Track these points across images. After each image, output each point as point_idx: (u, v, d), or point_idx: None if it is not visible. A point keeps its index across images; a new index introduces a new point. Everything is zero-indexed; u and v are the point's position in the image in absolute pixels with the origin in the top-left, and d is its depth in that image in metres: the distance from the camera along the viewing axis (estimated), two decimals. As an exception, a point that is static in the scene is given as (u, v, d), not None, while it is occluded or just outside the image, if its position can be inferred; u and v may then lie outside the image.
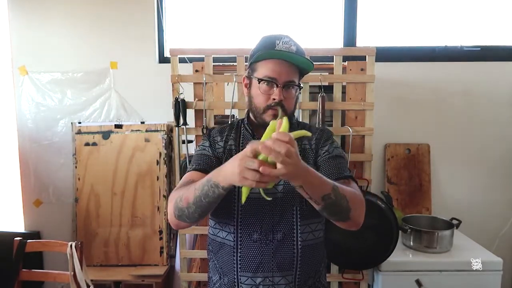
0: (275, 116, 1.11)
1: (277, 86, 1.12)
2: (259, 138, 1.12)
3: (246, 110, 1.27)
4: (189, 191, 1.01)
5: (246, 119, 1.24)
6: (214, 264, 1.22)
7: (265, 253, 1.12)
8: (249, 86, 1.19)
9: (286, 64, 1.13)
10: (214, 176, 0.95)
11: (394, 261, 1.80)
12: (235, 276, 1.14)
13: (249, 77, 1.19)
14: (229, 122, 1.46)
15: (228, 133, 1.24)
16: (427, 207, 2.32)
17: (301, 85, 1.20)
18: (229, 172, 0.89)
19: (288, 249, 1.13)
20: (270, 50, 1.12)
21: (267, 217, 1.13)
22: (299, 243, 1.14)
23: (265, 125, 1.09)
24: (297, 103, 1.20)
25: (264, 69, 1.13)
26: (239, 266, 1.13)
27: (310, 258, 1.17)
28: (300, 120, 1.88)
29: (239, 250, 1.13)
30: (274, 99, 1.12)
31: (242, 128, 1.24)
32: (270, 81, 1.12)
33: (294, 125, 1.23)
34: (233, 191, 1.14)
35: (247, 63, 1.24)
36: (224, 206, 1.14)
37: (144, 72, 2.37)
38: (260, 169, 0.83)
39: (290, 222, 1.14)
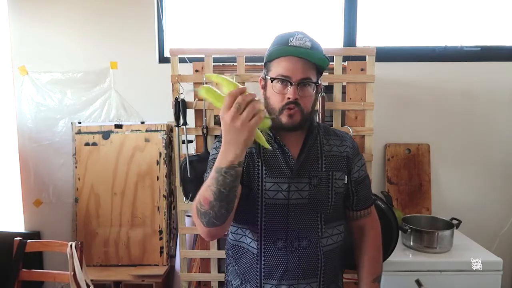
0: (290, 117, 1.08)
1: (291, 84, 1.06)
2: (281, 141, 1.14)
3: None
4: (205, 192, 0.95)
5: None
6: (234, 269, 1.19)
7: (290, 261, 1.10)
8: (264, 87, 1.15)
9: (300, 61, 1.07)
10: (221, 162, 0.90)
11: (394, 261, 1.80)
12: (259, 283, 1.12)
13: (264, 78, 1.15)
14: None
15: None
16: (427, 207, 2.32)
17: (319, 83, 1.13)
18: (231, 139, 0.87)
19: (313, 256, 1.12)
20: (283, 45, 1.08)
21: (292, 224, 1.10)
22: (322, 248, 1.13)
23: (283, 127, 1.10)
24: (316, 103, 1.15)
25: (277, 68, 1.08)
26: (263, 274, 1.11)
27: (333, 263, 1.17)
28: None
29: (263, 258, 1.11)
30: (289, 98, 1.07)
31: None
32: (284, 80, 1.07)
33: (315, 128, 1.18)
34: (256, 197, 1.11)
35: (261, 63, 1.20)
36: (247, 212, 1.12)
37: (144, 72, 2.37)
38: (239, 97, 0.83)
39: (315, 228, 1.12)
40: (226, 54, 1.98)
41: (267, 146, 0.94)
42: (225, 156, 0.89)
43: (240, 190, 1.03)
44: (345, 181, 1.17)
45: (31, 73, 2.40)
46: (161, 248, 2.30)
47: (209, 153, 1.80)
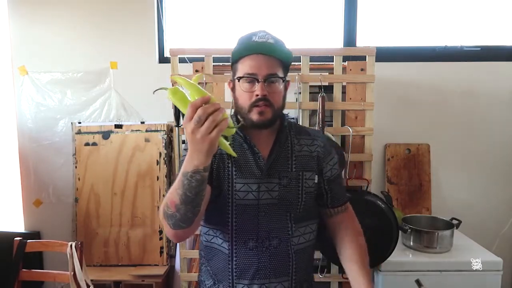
0: (261, 114, 1.07)
1: (258, 81, 1.06)
2: (252, 141, 1.13)
3: (233, 112, 1.21)
4: (171, 195, 0.95)
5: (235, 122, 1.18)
6: (207, 269, 1.19)
7: (262, 261, 1.11)
8: (233, 89, 1.14)
9: (265, 57, 1.07)
10: (187, 166, 0.89)
11: (394, 261, 1.80)
12: (231, 283, 1.12)
13: (232, 80, 1.14)
14: None
15: None
16: (427, 207, 2.32)
17: (286, 78, 1.13)
18: (194, 148, 0.85)
19: (284, 255, 1.12)
20: (246, 42, 1.09)
21: (262, 224, 1.11)
22: (293, 247, 1.14)
23: (253, 125, 1.09)
24: (285, 100, 1.15)
25: (243, 67, 1.08)
26: (234, 274, 1.12)
27: (304, 261, 1.17)
28: (299, 122, 1.89)
29: (234, 258, 1.11)
30: (257, 95, 1.06)
31: None
32: (250, 77, 1.07)
33: (286, 128, 1.18)
34: (226, 198, 1.11)
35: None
36: (218, 213, 1.12)
37: (144, 72, 2.37)
38: (200, 110, 0.80)
39: (285, 227, 1.13)
40: (226, 54, 1.97)
41: (233, 154, 0.93)
42: (190, 161, 0.88)
43: (209, 192, 1.04)
44: (316, 181, 1.17)
45: (31, 73, 2.40)
46: (161, 248, 2.30)
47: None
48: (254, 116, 1.08)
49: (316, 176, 1.17)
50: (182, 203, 0.92)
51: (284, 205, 1.12)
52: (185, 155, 1.09)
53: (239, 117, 1.15)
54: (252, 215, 1.11)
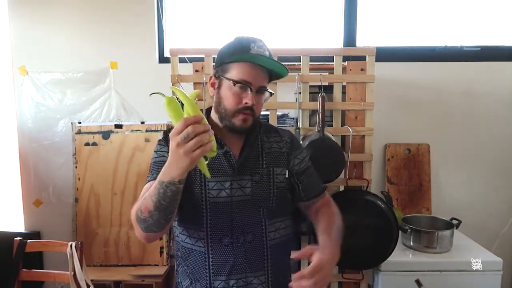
0: (244, 121, 1.11)
1: (251, 90, 1.10)
2: (223, 141, 1.15)
3: (205, 110, 1.24)
4: (146, 200, 0.97)
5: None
6: (184, 269, 1.20)
7: (237, 256, 1.13)
8: (218, 86, 1.14)
9: (261, 69, 1.11)
10: (164, 176, 0.92)
11: (394, 261, 1.80)
12: (208, 281, 1.14)
13: (218, 77, 1.14)
14: None
15: None
16: (427, 207, 2.32)
17: (271, 92, 1.18)
18: (174, 161, 0.88)
19: (259, 249, 1.15)
20: (245, 53, 1.10)
21: (236, 220, 1.13)
22: (269, 242, 1.16)
23: (233, 129, 1.12)
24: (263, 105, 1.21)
25: (239, 72, 1.09)
26: (211, 271, 1.13)
27: (281, 256, 1.19)
28: (299, 122, 1.88)
29: (210, 256, 1.13)
30: (246, 103, 1.09)
31: None
32: (245, 85, 1.09)
33: (255, 127, 1.20)
34: (200, 198, 1.13)
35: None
36: (193, 213, 1.14)
37: (144, 72, 2.37)
38: (190, 127, 0.83)
39: (258, 222, 1.15)
40: (226, 54, 1.98)
41: (208, 175, 0.94)
42: (168, 171, 0.91)
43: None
44: (286, 176, 1.21)
45: (31, 73, 2.40)
46: (161, 248, 2.30)
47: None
48: (237, 122, 1.11)
49: (287, 171, 1.21)
50: (156, 209, 0.95)
51: (257, 201, 1.15)
52: (155, 157, 1.15)
53: (214, 117, 1.18)
54: (226, 212, 1.13)
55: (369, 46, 2.20)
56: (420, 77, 2.34)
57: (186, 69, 1.93)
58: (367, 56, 1.86)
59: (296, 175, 1.24)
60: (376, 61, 1.85)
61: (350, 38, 2.38)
